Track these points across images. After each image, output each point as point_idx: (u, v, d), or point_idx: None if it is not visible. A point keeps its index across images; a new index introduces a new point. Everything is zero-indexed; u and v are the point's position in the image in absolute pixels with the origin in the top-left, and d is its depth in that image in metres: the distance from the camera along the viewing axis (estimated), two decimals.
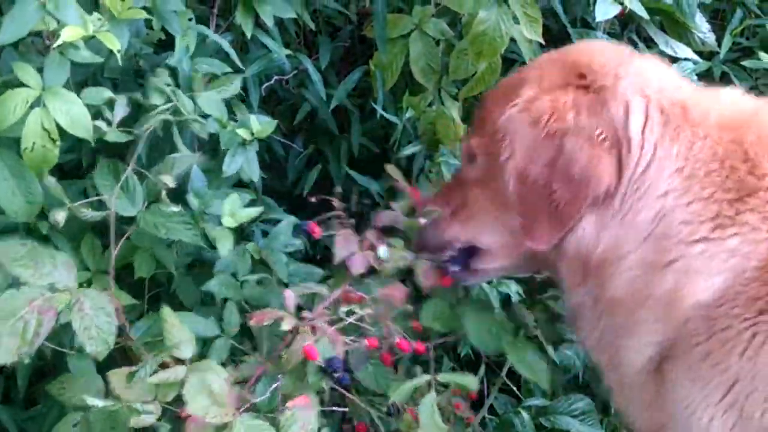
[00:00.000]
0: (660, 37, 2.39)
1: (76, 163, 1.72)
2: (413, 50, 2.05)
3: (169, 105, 1.64)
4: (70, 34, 1.39)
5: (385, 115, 2.08)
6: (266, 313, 1.55)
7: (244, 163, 1.75)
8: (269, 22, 1.88)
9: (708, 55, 2.65)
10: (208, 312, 1.69)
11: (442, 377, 1.65)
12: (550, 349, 2.28)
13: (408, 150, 2.10)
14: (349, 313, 1.57)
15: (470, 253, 1.69)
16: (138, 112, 1.72)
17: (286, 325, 1.51)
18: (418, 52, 2.05)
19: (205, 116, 1.72)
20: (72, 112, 1.43)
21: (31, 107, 1.40)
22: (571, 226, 1.49)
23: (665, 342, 1.45)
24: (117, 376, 1.47)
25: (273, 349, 1.57)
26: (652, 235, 1.44)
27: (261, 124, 1.76)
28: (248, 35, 1.86)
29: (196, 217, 1.66)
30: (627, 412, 1.61)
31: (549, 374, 2.30)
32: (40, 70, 1.44)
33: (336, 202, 1.72)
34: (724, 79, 2.64)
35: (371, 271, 1.65)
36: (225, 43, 1.82)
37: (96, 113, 1.50)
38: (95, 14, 1.45)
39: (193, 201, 1.68)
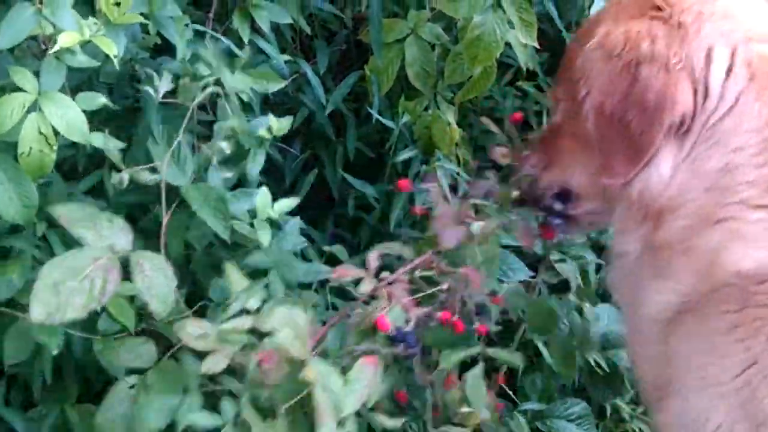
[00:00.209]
0: None
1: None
2: (409, 55, 2.06)
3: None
4: (66, 39, 1.39)
5: (381, 119, 2.09)
6: (349, 270, 1.56)
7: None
8: (265, 27, 1.88)
9: None
10: None
11: (492, 352, 1.65)
12: (545, 353, 2.29)
13: (404, 154, 2.10)
14: (427, 279, 1.57)
15: (565, 199, 1.64)
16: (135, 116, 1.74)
17: (366, 286, 1.51)
18: (413, 57, 2.06)
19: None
20: (68, 117, 1.43)
21: (28, 112, 1.40)
22: (647, 160, 1.42)
23: (692, 295, 1.41)
24: (183, 329, 1.46)
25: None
26: (714, 187, 1.38)
27: (278, 122, 1.77)
28: (245, 40, 1.86)
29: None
30: (636, 363, 1.59)
31: (545, 378, 2.32)
32: (36, 75, 1.44)
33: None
34: None
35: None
36: (232, 46, 1.82)
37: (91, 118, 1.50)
38: (91, 19, 1.45)
39: None
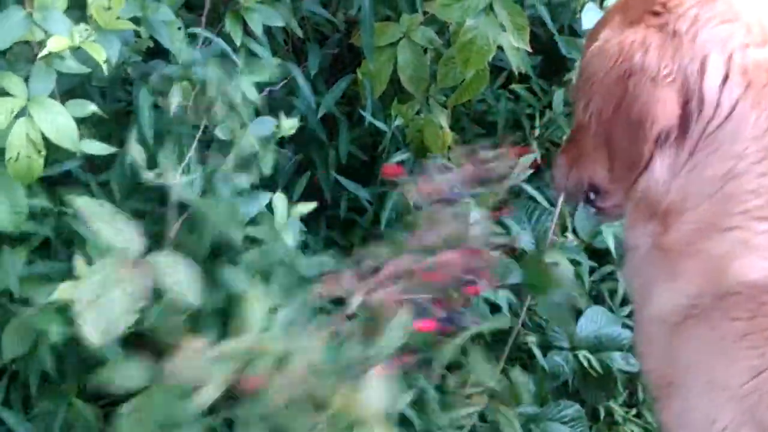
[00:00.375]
0: None
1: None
2: (401, 58, 2.06)
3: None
4: (56, 44, 1.39)
5: (374, 122, 2.09)
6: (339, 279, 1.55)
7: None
8: (258, 30, 1.88)
9: None
10: None
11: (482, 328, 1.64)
12: (539, 355, 2.29)
13: (396, 157, 2.11)
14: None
15: (595, 192, 1.64)
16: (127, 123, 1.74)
17: (355, 303, 1.51)
18: (406, 60, 2.06)
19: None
20: (58, 123, 1.43)
21: (17, 117, 1.40)
22: (642, 169, 1.43)
23: (700, 298, 1.41)
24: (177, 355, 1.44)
25: None
26: (718, 194, 1.38)
27: (288, 121, 1.79)
28: (237, 43, 1.86)
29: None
30: (643, 358, 1.59)
31: (538, 381, 2.33)
32: (27, 80, 1.44)
33: None
34: None
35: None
36: (227, 48, 1.82)
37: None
38: (82, 25, 1.45)
39: None
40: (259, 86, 1.94)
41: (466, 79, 2.05)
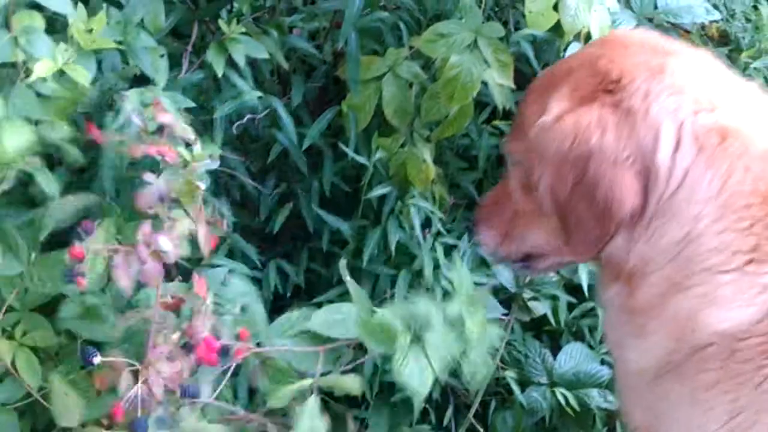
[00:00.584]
0: None
1: None
2: (386, 92, 2.07)
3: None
4: (42, 68, 1.40)
5: (356, 157, 2.10)
6: None
7: None
8: (241, 62, 1.89)
9: None
10: None
11: (325, 381, 1.53)
12: (517, 391, 2.29)
13: (378, 191, 2.11)
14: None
15: (529, 259, 1.70)
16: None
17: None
18: (390, 94, 2.07)
19: None
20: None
21: None
22: (604, 243, 1.48)
23: (672, 356, 1.45)
24: None
25: None
26: (679, 256, 1.42)
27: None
28: (219, 74, 1.87)
29: None
30: (625, 409, 1.62)
31: (516, 417, 2.33)
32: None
33: None
34: None
35: None
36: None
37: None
38: (62, 45, 1.45)
39: None
40: (239, 116, 1.96)
41: (450, 114, 2.06)
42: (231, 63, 1.91)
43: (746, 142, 1.41)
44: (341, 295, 2.09)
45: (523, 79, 2.06)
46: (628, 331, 1.52)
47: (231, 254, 2.05)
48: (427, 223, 2.18)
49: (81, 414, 1.49)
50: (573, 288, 2.41)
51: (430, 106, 2.07)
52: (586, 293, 2.32)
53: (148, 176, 1.43)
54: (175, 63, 1.91)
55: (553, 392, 2.33)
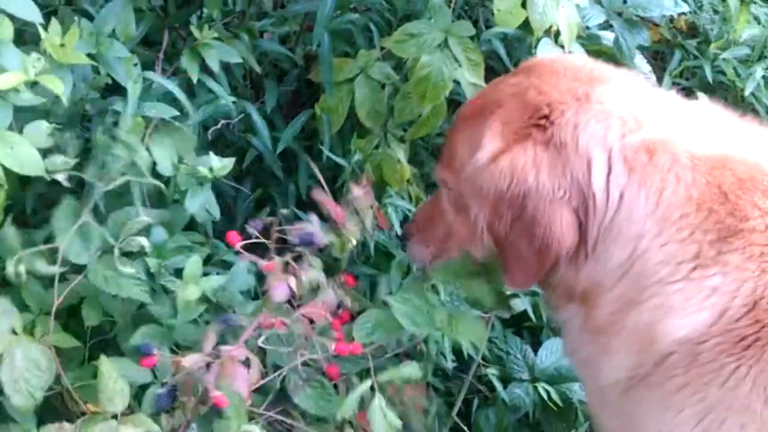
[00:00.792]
0: None
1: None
2: (359, 93, 2.08)
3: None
4: (10, 80, 1.39)
5: (333, 157, 2.10)
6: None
7: (205, 202, 1.78)
8: (215, 67, 1.89)
9: None
10: None
11: (382, 378, 1.57)
12: (499, 388, 2.30)
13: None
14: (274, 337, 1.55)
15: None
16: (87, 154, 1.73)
17: (188, 362, 1.45)
18: (363, 96, 2.08)
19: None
20: (20, 153, 1.42)
21: None
22: (546, 273, 1.51)
23: (639, 368, 1.47)
24: None
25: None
26: (628, 274, 1.45)
27: (219, 163, 1.77)
28: (194, 80, 1.87)
29: (153, 274, 1.68)
30: (599, 421, 1.64)
31: (499, 413, 2.33)
32: None
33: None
34: None
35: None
36: (175, 88, 1.82)
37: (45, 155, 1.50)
38: (34, 55, 1.45)
39: (151, 262, 1.68)
40: (215, 122, 1.95)
41: (423, 114, 2.07)
42: (204, 68, 1.90)
43: (675, 152, 1.44)
44: None
45: (495, 76, 2.07)
46: (593, 350, 1.54)
47: (209, 259, 2.05)
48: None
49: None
50: None
51: (403, 106, 2.08)
52: None
53: None
54: (147, 71, 1.91)
55: (535, 388, 2.33)
